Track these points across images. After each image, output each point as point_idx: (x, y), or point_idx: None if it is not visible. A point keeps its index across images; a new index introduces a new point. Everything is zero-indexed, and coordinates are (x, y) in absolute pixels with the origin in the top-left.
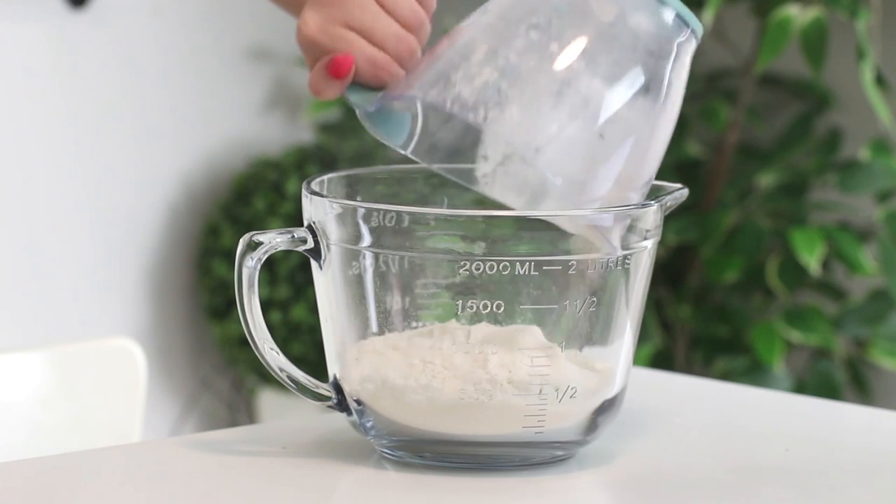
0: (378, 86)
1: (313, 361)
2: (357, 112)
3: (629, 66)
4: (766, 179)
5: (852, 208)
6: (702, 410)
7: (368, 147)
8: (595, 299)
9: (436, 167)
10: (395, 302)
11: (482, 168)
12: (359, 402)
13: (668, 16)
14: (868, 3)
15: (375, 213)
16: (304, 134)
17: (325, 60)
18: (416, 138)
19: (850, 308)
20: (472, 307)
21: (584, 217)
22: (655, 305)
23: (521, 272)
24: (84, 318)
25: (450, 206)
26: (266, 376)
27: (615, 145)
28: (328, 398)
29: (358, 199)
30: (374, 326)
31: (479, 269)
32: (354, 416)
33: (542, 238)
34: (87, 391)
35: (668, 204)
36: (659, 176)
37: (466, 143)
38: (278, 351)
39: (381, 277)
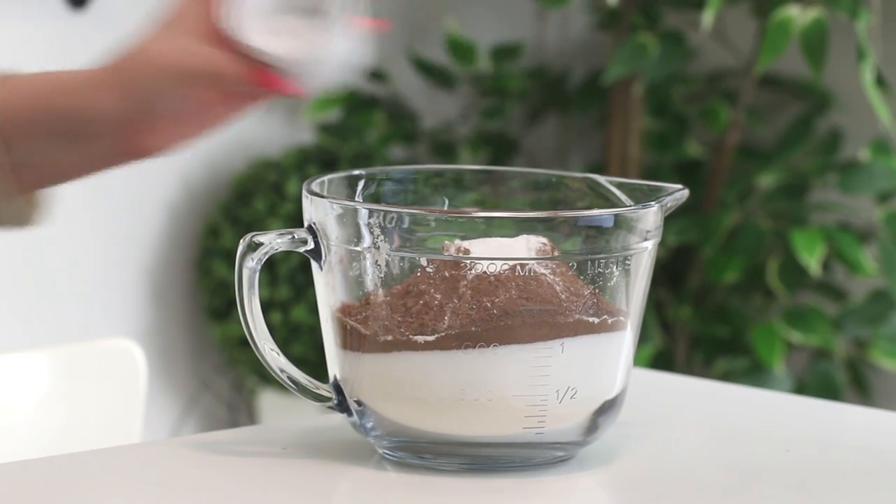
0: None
1: (314, 362)
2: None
3: None
4: (767, 180)
5: (852, 209)
6: (702, 411)
7: (368, 147)
8: (595, 300)
9: None
10: None
11: None
12: (359, 402)
13: None
14: (868, 3)
15: (376, 214)
16: (304, 134)
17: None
18: None
19: (851, 309)
20: (472, 308)
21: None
22: (656, 306)
23: (521, 272)
24: (84, 318)
25: (450, 207)
26: (266, 377)
27: None
28: (328, 399)
29: (358, 199)
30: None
31: (479, 270)
32: (355, 417)
33: (542, 238)
34: (87, 391)
35: (669, 205)
36: (659, 176)
37: None
38: (278, 352)
39: (381, 278)
